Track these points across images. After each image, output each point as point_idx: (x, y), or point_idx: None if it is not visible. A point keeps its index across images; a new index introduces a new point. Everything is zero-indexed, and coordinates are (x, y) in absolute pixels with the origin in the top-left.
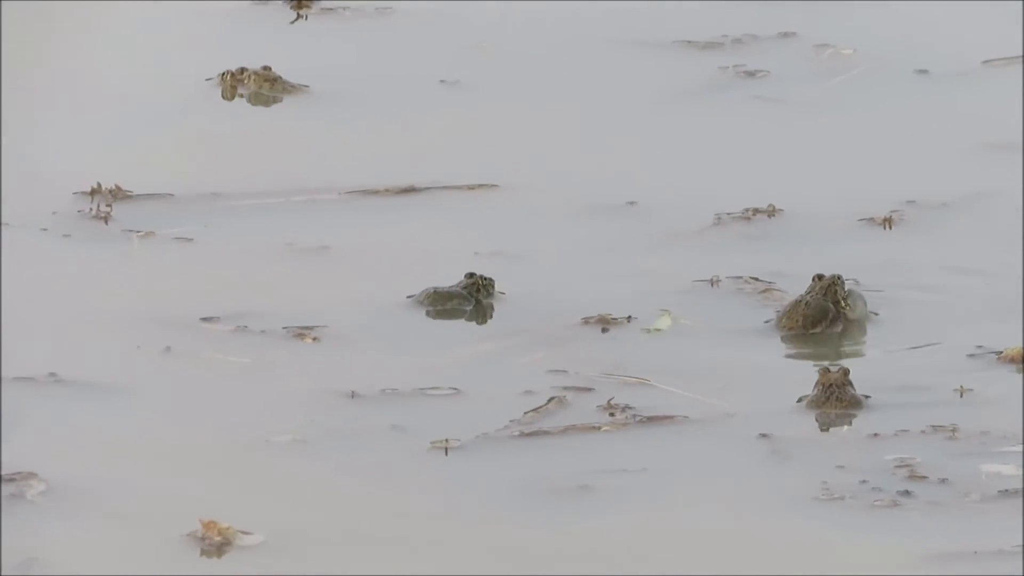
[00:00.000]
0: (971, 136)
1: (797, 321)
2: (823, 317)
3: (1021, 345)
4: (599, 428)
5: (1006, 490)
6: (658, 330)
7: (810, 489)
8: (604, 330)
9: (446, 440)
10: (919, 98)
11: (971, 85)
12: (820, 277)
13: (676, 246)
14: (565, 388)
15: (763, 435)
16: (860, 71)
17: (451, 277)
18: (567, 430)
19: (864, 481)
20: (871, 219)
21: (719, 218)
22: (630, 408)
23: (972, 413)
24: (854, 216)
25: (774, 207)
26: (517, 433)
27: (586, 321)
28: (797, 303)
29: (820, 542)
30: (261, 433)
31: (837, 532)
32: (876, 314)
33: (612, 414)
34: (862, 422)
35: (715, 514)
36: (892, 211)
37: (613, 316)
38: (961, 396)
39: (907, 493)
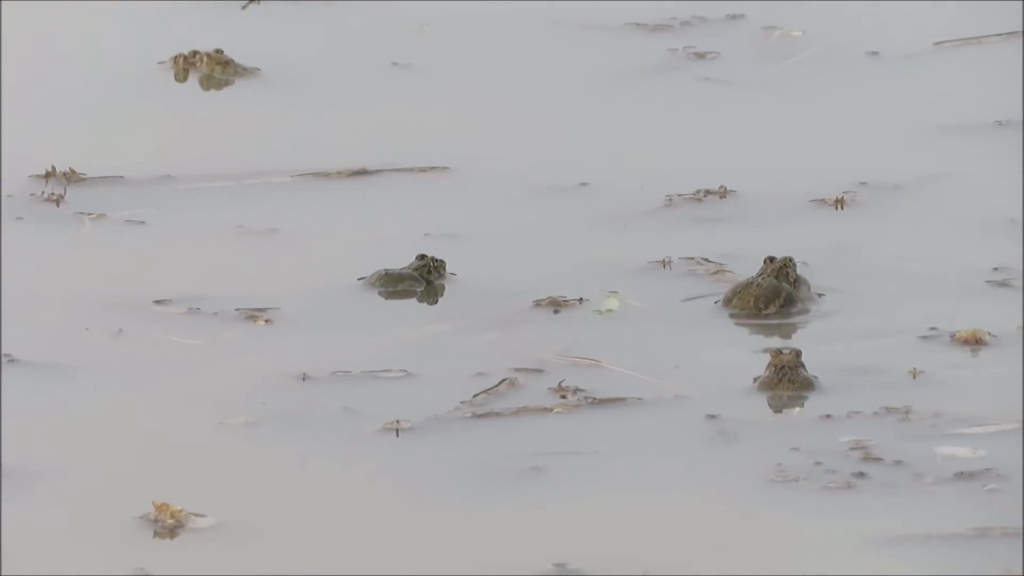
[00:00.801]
0: (923, 118)
1: (749, 302)
2: (775, 297)
3: (974, 327)
4: (551, 410)
5: (961, 472)
6: (609, 311)
7: (763, 471)
8: (556, 312)
9: (397, 422)
10: (870, 80)
11: (923, 67)
12: (771, 259)
13: (627, 227)
14: (516, 370)
15: (714, 416)
16: (810, 53)
17: (402, 259)
18: (518, 412)
19: (818, 463)
20: (823, 200)
21: (670, 199)
22: (581, 390)
23: (926, 395)
24: (806, 197)
25: (725, 188)
26: (468, 415)
27: (538, 303)
28: (748, 284)
29: (774, 523)
30: (213, 415)
31: (791, 514)
32: (821, 295)
33: (563, 396)
34: (815, 404)
35: (668, 496)
36: (844, 192)
37: (564, 298)
38: (914, 378)
39: (861, 475)
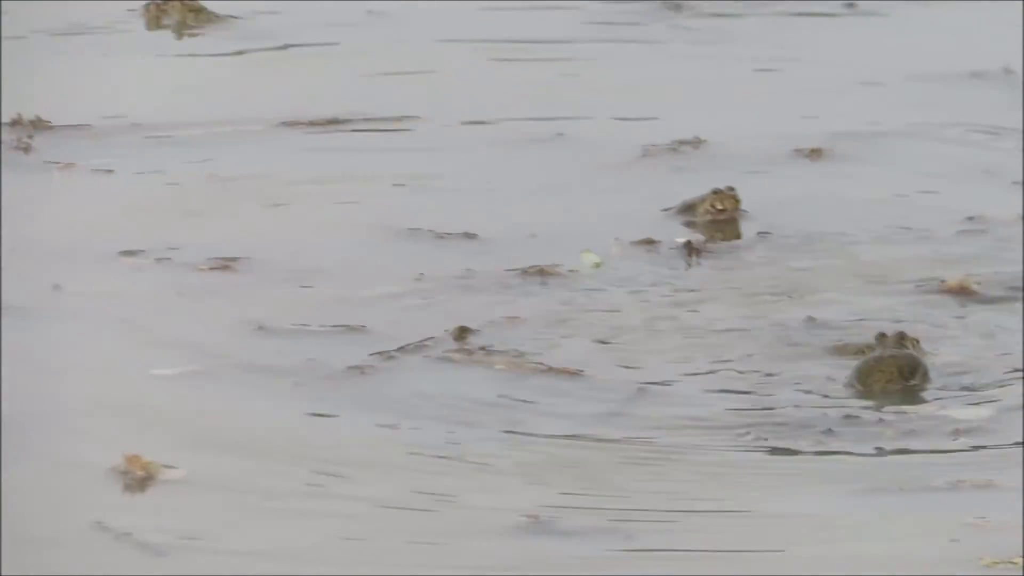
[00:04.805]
0: (899, 68)
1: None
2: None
3: (961, 276)
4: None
5: (936, 427)
6: (597, 265)
7: (738, 426)
8: (543, 281)
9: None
10: (846, 30)
11: (899, 18)
12: (884, 335)
13: (605, 178)
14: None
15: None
16: (787, 2)
17: (378, 212)
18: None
19: (791, 417)
20: (799, 151)
21: (646, 150)
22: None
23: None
24: (781, 148)
25: (699, 138)
26: (430, 356)
27: (525, 271)
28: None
29: (747, 477)
30: (177, 365)
31: (763, 471)
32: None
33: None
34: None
35: (646, 457)
36: (820, 143)
37: (550, 265)
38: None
39: (830, 432)
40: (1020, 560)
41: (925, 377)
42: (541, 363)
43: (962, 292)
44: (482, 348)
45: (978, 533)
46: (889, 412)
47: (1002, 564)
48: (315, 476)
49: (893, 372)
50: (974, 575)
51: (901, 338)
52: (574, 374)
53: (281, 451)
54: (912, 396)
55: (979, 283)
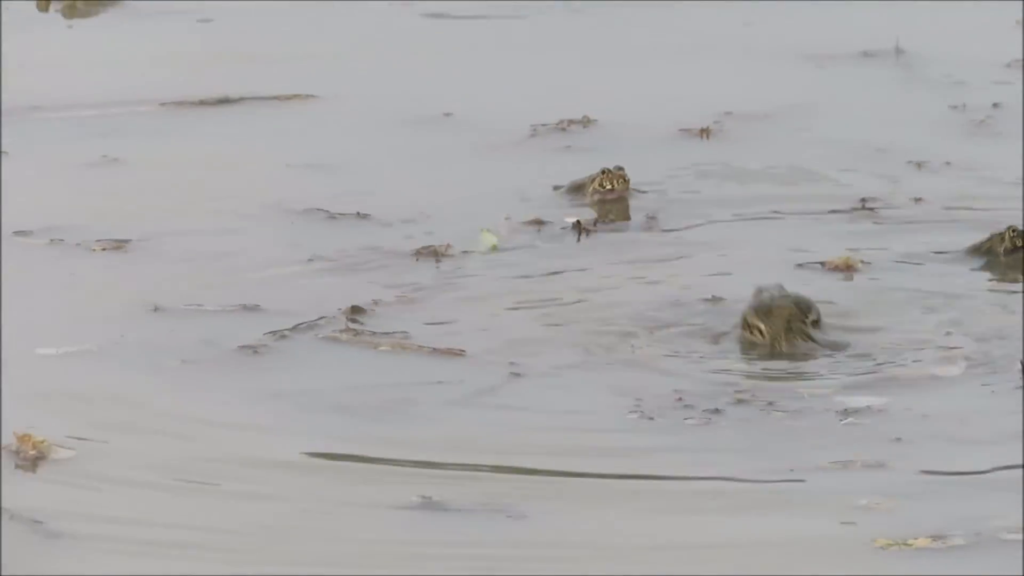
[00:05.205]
0: (789, 47)
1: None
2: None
3: (846, 254)
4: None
5: (825, 407)
6: (494, 248)
7: (624, 404)
8: (437, 261)
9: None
10: (735, 9)
11: None
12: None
13: (494, 158)
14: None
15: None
16: None
17: (271, 192)
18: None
19: (679, 396)
20: (688, 130)
21: (535, 129)
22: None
23: None
24: (671, 127)
25: (588, 118)
26: (320, 336)
27: (418, 253)
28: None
29: (631, 458)
30: (64, 345)
31: (652, 447)
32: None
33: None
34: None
35: (532, 431)
36: (709, 122)
37: (442, 245)
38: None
39: (717, 411)
40: (914, 542)
41: (818, 319)
42: (424, 345)
43: (847, 269)
44: (368, 329)
45: (871, 515)
46: (778, 391)
47: (896, 546)
48: (207, 459)
49: (792, 310)
50: (868, 558)
51: (781, 289)
52: (457, 355)
53: (172, 431)
54: (801, 376)
55: (863, 261)
